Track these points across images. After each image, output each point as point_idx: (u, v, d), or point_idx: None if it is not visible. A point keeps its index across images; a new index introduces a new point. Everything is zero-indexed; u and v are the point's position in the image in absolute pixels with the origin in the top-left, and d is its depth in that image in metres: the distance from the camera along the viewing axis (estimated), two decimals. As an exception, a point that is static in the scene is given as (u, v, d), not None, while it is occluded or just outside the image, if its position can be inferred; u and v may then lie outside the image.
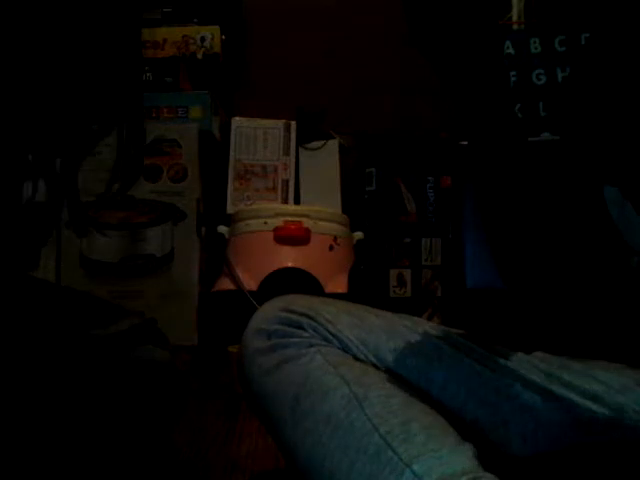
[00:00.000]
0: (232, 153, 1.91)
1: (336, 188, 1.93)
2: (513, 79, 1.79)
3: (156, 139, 1.72)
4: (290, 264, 1.70)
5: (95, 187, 0.69)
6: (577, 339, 0.70)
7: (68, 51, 0.61)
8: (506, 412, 0.66)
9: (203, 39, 1.84)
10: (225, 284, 1.71)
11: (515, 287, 0.68)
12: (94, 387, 0.69)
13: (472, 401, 0.67)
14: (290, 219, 1.73)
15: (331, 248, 1.74)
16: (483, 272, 1.73)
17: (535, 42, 1.79)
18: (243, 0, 2.00)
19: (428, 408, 0.63)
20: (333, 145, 1.94)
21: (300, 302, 0.76)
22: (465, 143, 0.66)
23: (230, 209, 1.88)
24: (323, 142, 1.94)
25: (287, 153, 1.92)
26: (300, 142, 1.93)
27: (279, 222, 1.72)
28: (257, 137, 1.92)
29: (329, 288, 1.69)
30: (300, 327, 0.72)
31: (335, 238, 1.75)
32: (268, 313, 0.76)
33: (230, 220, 1.81)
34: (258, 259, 1.72)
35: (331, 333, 0.72)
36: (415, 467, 0.55)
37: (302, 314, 0.73)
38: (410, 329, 0.73)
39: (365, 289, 1.81)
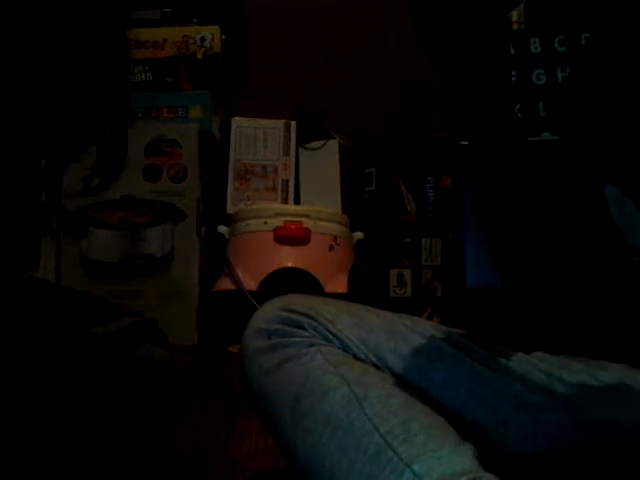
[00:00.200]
0: (232, 153, 1.91)
1: (336, 188, 1.93)
2: (513, 79, 1.79)
3: (156, 139, 1.72)
4: (290, 264, 1.70)
5: (76, 185, 0.69)
6: (577, 339, 0.70)
7: (53, 60, 0.61)
8: (506, 412, 0.66)
9: (203, 39, 1.84)
10: (225, 284, 1.71)
11: (515, 287, 0.68)
12: (93, 385, 0.69)
13: (472, 401, 0.67)
14: (290, 219, 1.73)
15: (331, 248, 1.74)
16: (483, 272, 1.73)
17: (535, 42, 1.79)
18: (243, 0, 2.00)
19: (428, 408, 0.63)
20: (333, 145, 1.94)
21: (300, 302, 0.76)
22: (465, 143, 0.66)
23: (230, 209, 1.88)
24: (323, 142, 1.94)
25: (287, 153, 1.92)
26: (300, 142, 1.93)
27: (279, 222, 1.72)
28: (257, 137, 1.92)
29: (329, 288, 1.69)
30: (300, 327, 0.72)
31: (335, 238, 1.75)
32: (268, 313, 0.76)
33: (230, 220, 1.81)
34: (258, 259, 1.72)
35: (331, 333, 0.72)
36: (415, 467, 0.55)
37: (302, 314, 0.73)
38: (410, 329, 0.73)
39: (365, 289, 1.81)
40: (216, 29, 1.85)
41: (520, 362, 0.69)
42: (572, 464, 0.64)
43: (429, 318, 1.76)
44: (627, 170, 0.62)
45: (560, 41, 1.78)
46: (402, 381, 0.68)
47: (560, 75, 1.77)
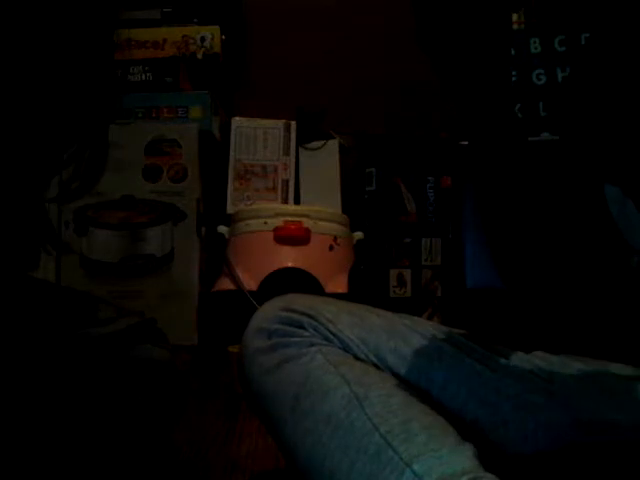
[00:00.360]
0: (232, 153, 1.91)
1: (336, 188, 1.93)
2: (513, 79, 1.79)
3: (156, 139, 1.72)
4: (290, 264, 1.70)
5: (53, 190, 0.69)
6: (577, 339, 0.70)
7: (35, 68, 0.61)
8: (506, 412, 0.66)
9: (203, 39, 1.84)
10: (225, 284, 1.71)
11: (514, 287, 0.68)
12: (92, 386, 0.69)
13: (472, 401, 0.67)
14: (290, 219, 1.73)
15: (331, 248, 1.74)
16: (483, 272, 1.73)
17: (535, 42, 1.79)
18: (243, 0, 2.00)
19: (428, 408, 0.63)
20: (333, 145, 1.94)
21: (301, 301, 0.76)
22: (465, 143, 0.66)
23: (230, 209, 1.88)
24: (323, 142, 1.94)
25: (287, 153, 1.92)
26: (300, 142, 1.93)
27: (279, 222, 1.72)
28: (257, 137, 1.92)
29: (329, 288, 1.69)
30: (301, 326, 0.72)
31: (335, 238, 1.75)
32: (269, 312, 0.76)
33: (230, 220, 1.81)
34: (258, 259, 1.72)
35: (332, 332, 0.72)
36: (415, 467, 0.55)
37: (303, 313, 0.73)
38: (410, 329, 0.73)
39: (365, 289, 1.80)
40: (216, 29, 1.85)
41: (520, 362, 0.69)
42: (572, 464, 0.64)
43: (429, 318, 1.76)
44: (627, 170, 0.61)
45: (560, 41, 1.78)
46: (402, 381, 0.68)
47: (560, 75, 1.77)
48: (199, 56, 1.83)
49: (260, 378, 0.73)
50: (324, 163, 1.94)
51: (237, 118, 1.92)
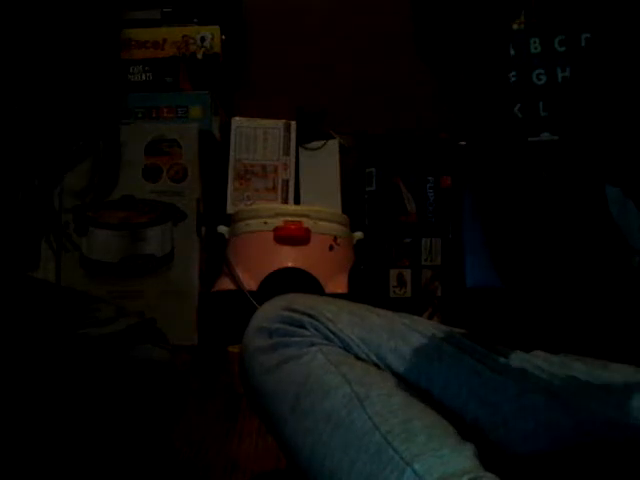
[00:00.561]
0: (232, 153, 1.91)
1: (336, 188, 1.93)
2: (513, 79, 1.79)
3: (156, 139, 1.72)
4: (290, 264, 1.70)
5: (71, 198, 0.69)
6: (577, 338, 0.70)
7: (44, 65, 0.61)
8: (506, 412, 0.66)
9: (203, 39, 1.83)
10: (225, 284, 1.71)
11: (514, 288, 0.68)
12: (92, 386, 0.69)
13: (473, 401, 0.67)
14: (290, 219, 1.73)
15: (331, 248, 1.74)
16: (483, 272, 1.73)
17: (535, 42, 1.79)
18: (243, 0, 2.00)
19: (429, 408, 0.63)
20: (333, 145, 1.94)
21: (301, 301, 0.76)
22: (464, 143, 0.66)
23: (230, 209, 1.88)
24: (323, 142, 1.93)
25: (287, 153, 1.92)
26: (300, 142, 1.93)
27: (279, 222, 1.72)
28: (257, 137, 1.92)
29: (329, 288, 1.69)
30: (301, 326, 0.72)
31: (335, 238, 1.75)
32: (269, 312, 0.76)
33: (230, 220, 1.81)
34: (258, 259, 1.72)
35: (332, 332, 0.72)
36: (416, 466, 0.55)
37: (304, 313, 0.73)
38: (410, 328, 0.73)
39: (365, 289, 1.80)
40: (216, 29, 1.85)
41: (520, 362, 0.69)
42: (572, 464, 0.64)
43: (429, 318, 1.76)
44: (628, 171, 0.61)
45: (560, 41, 1.78)
46: (402, 380, 0.68)
47: (560, 75, 1.77)
48: (199, 56, 1.83)
49: (260, 377, 0.73)
50: (324, 163, 1.94)
51: (237, 118, 1.92)
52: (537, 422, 0.65)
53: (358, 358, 0.70)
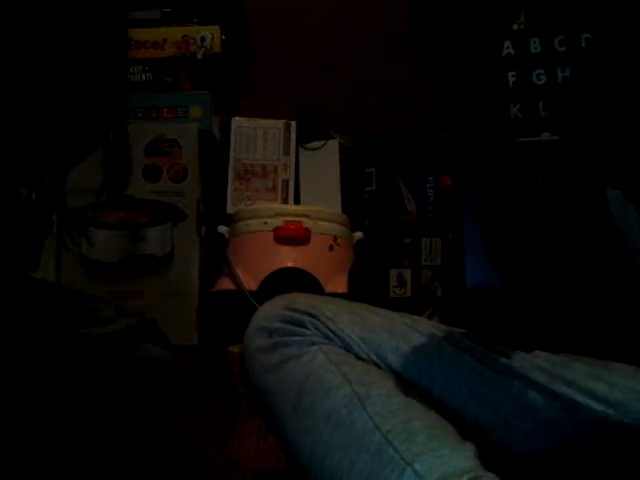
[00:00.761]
0: (232, 153, 1.91)
1: (336, 188, 1.93)
2: (513, 79, 1.79)
3: (156, 139, 1.72)
4: (290, 264, 1.70)
5: (84, 197, 0.70)
6: (578, 339, 0.70)
7: (52, 61, 0.61)
8: (507, 412, 0.66)
9: (203, 39, 1.83)
10: (225, 284, 1.71)
11: (515, 289, 0.68)
12: (92, 386, 0.69)
13: (473, 400, 0.67)
14: (290, 219, 1.73)
15: (331, 248, 1.74)
16: (483, 272, 1.73)
17: (535, 42, 1.79)
18: (243, 0, 2.00)
19: (429, 407, 0.63)
20: (333, 145, 1.94)
21: (302, 300, 0.76)
22: (463, 143, 0.66)
23: (230, 209, 1.88)
24: (323, 142, 1.93)
25: (287, 153, 1.92)
26: (300, 142, 1.93)
27: (279, 222, 1.72)
28: (257, 137, 1.92)
29: (329, 288, 1.69)
30: (302, 325, 0.72)
31: (335, 238, 1.75)
32: (270, 311, 0.76)
33: (230, 220, 1.81)
34: (258, 259, 1.72)
35: (332, 331, 0.72)
36: (417, 466, 0.55)
37: (304, 312, 0.73)
38: (411, 327, 0.73)
39: (365, 289, 1.80)
40: (216, 29, 1.85)
41: (521, 362, 0.69)
42: (572, 464, 0.64)
43: (429, 318, 1.76)
44: (629, 174, 0.61)
45: (560, 41, 1.78)
46: (403, 380, 0.68)
47: (560, 75, 1.77)
48: (199, 56, 1.83)
49: (261, 377, 0.73)
50: (324, 163, 1.94)
51: (237, 118, 1.92)
52: (537, 422, 0.65)
53: (358, 358, 0.70)
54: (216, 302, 1.71)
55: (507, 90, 1.77)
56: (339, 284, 1.72)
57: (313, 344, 0.70)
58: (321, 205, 1.83)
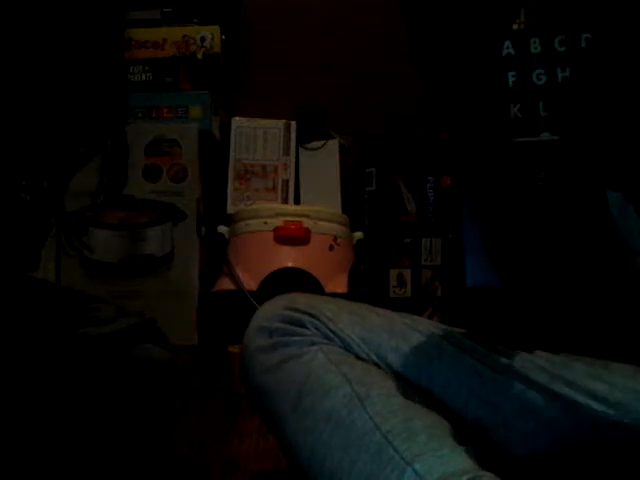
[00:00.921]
0: (232, 153, 1.91)
1: (336, 188, 1.93)
2: (513, 79, 1.79)
3: (156, 139, 1.72)
4: (290, 264, 1.70)
5: (81, 200, 0.70)
6: (578, 339, 0.70)
7: (50, 64, 0.61)
8: (507, 412, 0.66)
9: (203, 39, 1.83)
10: (225, 284, 1.71)
11: (514, 289, 0.68)
12: (92, 386, 0.69)
13: (473, 400, 0.67)
14: (290, 219, 1.73)
15: (331, 248, 1.74)
16: (483, 272, 1.73)
17: (535, 42, 1.79)
18: (243, 0, 2.00)
19: (429, 407, 0.63)
20: (333, 145, 1.94)
21: (302, 300, 0.76)
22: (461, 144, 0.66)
23: (230, 209, 1.88)
24: (323, 142, 1.93)
25: (287, 153, 1.92)
26: (300, 142, 1.93)
27: (279, 222, 1.72)
28: (257, 137, 1.92)
29: (329, 288, 1.69)
30: (302, 325, 0.72)
31: (335, 238, 1.75)
32: (270, 311, 0.76)
33: (230, 220, 1.81)
34: (258, 259, 1.72)
35: (332, 331, 0.72)
36: (417, 466, 0.55)
37: (304, 312, 0.73)
38: (411, 327, 0.73)
39: (365, 289, 1.80)
40: (216, 29, 1.85)
41: (521, 362, 0.69)
42: (572, 464, 0.64)
43: (429, 318, 1.76)
44: (629, 176, 0.61)
45: (560, 41, 1.78)
46: (403, 380, 0.68)
47: (560, 75, 1.77)
48: (199, 56, 1.83)
49: (261, 377, 0.73)
50: (324, 163, 1.94)
51: (237, 118, 1.92)
52: (537, 422, 0.65)
53: (358, 357, 0.70)
54: (216, 302, 1.71)
55: (507, 90, 1.77)
56: (339, 284, 1.72)
57: (313, 344, 0.70)
58: (321, 205, 1.83)
